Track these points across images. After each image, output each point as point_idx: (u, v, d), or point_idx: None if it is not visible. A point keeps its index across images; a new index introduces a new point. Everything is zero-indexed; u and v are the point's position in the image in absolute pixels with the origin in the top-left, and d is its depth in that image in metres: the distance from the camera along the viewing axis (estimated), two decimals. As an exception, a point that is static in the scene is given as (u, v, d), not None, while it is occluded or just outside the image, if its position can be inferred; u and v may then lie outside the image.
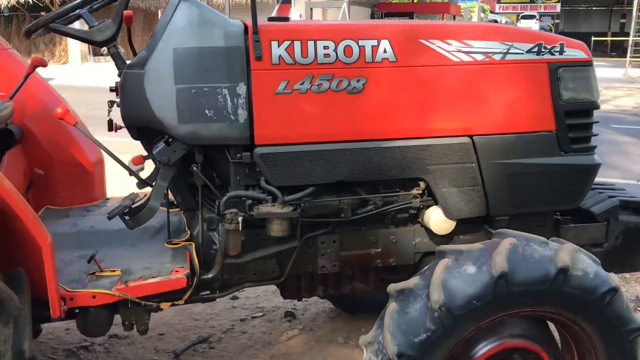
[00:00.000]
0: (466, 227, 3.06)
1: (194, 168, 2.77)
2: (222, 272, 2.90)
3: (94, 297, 2.48)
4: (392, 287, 2.69)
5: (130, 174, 3.13)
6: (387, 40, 2.79)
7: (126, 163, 3.02)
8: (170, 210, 3.38)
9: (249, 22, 2.64)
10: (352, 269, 3.14)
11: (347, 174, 2.79)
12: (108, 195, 4.04)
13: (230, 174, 2.81)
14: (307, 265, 3.01)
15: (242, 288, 3.00)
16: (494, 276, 2.28)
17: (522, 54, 2.91)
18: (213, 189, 3.01)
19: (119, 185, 4.30)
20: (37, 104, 3.24)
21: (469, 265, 2.62)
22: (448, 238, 3.05)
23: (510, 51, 2.93)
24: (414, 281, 2.43)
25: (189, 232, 2.97)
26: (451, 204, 2.94)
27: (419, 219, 3.03)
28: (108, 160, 3.52)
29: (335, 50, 2.73)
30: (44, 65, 3.27)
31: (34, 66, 3.26)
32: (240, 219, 2.81)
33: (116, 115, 2.78)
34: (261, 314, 4.33)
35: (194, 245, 2.88)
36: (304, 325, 4.15)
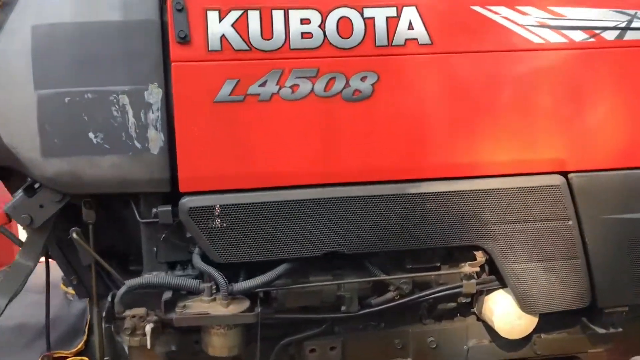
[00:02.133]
0: (553, 321, 2.15)
1: (74, 235, 1.81)
2: None
3: None
4: None
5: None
6: (414, 9, 1.81)
7: None
8: (70, 293, 2.16)
9: None
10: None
11: (346, 240, 1.88)
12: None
13: (142, 243, 1.89)
14: None
15: None
16: None
17: (655, 30, 1.92)
18: (111, 271, 1.74)
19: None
20: None
21: None
22: (522, 339, 2.13)
23: (634, 25, 1.90)
24: None
25: (84, 338, 2.06)
26: (530, 291, 1.99)
27: (475, 310, 2.15)
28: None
29: (321, 25, 1.77)
30: None
31: None
32: (148, 328, 1.61)
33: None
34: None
35: None
36: None
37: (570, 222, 1.95)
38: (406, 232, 1.89)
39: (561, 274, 1.98)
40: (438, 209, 1.88)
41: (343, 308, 1.98)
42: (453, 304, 2.11)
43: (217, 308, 1.74)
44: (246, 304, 1.78)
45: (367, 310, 2.00)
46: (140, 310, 1.71)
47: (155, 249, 1.86)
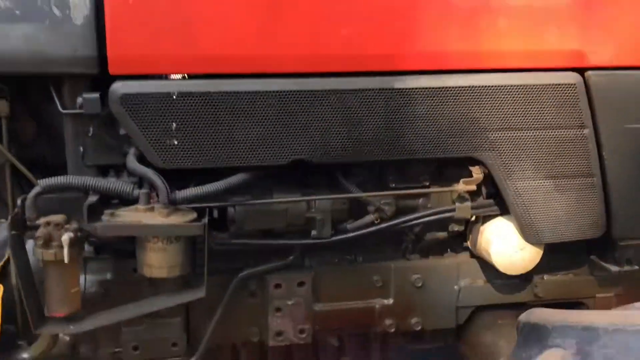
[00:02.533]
0: (558, 260, 1.88)
1: None
2: (64, 346, 1.66)
3: None
4: None
5: None
6: None
7: None
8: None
9: None
10: (339, 337, 1.95)
11: (317, 146, 1.58)
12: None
13: (65, 142, 1.55)
14: (247, 332, 1.81)
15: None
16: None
17: None
18: (24, 171, 1.42)
19: None
20: None
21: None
22: (523, 280, 1.88)
23: None
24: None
25: (2, 263, 1.63)
26: (536, 215, 1.70)
27: (468, 244, 1.87)
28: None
29: None
30: None
31: None
32: (66, 237, 1.33)
33: None
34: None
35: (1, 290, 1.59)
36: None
37: (585, 131, 1.65)
38: (388, 137, 1.58)
39: (572, 195, 1.69)
40: (427, 110, 1.58)
41: (314, 233, 1.67)
42: (443, 234, 1.82)
43: (155, 218, 1.41)
44: (192, 216, 1.45)
45: (342, 237, 1.70)
46: (57, 217, 1.37)
47: (81, 148, 1.52)
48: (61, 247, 1.33)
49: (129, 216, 1.40)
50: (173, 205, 1.44)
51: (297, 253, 1.75)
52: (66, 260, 1.33)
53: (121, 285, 1.63)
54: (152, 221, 1.39)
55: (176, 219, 1.41)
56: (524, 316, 1.25)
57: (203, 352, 1.73)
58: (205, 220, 1.43)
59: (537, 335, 1.19)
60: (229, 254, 1.70)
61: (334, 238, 1.68)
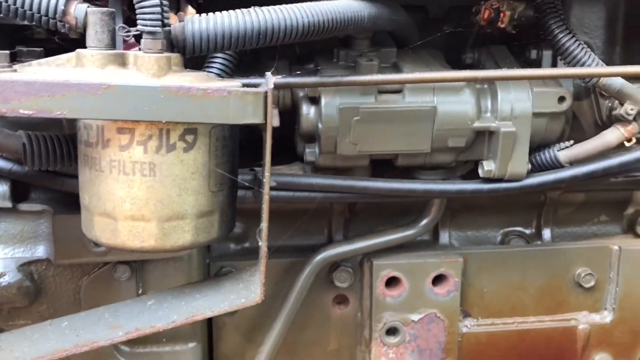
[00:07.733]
0: None
1: None
2: None
3: None
4: None
5: None
6: None
7: None
8: None
9: None
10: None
11: None
12: None
13: None
14: None
15: None
16: None
17: None
18: None
19: None
20: None
21: None
22: None
23: None
24: None
25: None
26: None
27: None
28: None
29: None
30: None
31: None
32: None
33: None
34: None
35: None
36: None
37: None
38: None
39: None
40: None
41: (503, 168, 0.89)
42: None
43: (130, 76, 0.54)
44: (230, 82, 0.58)
45: (560, 174, 0.89)
46: None
47: None
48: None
49: (52, 73, 0.53)
50: (179, 54, 0.57)
51: (433, 214, 0.93)
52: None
53: (69, 272, 0.80)
54: (118, 80, 0.51)
55: (181, 81, 0.54)
56: None
57: None
58: (270, 85, 0.55)
59: None
60: (296, 214, 0.89)
61: (541, 178, 0.87)
